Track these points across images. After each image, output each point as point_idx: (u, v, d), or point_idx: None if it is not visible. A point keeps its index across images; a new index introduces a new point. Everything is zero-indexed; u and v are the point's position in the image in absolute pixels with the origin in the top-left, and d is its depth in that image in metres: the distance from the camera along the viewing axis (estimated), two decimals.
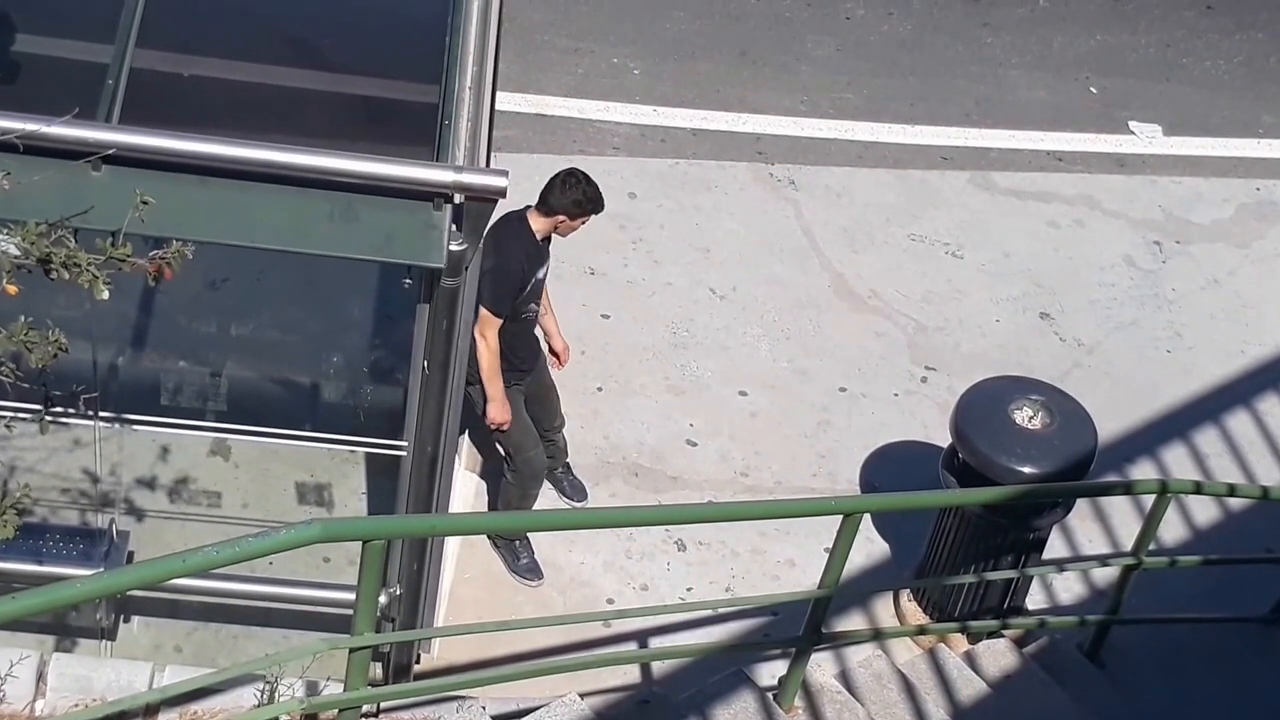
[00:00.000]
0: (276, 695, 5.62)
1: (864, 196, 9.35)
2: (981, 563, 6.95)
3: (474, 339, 6.51)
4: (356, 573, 5.02)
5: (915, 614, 7.32)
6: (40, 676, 5.93)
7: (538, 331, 7.15)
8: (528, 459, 6.99)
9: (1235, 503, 7.98)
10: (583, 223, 6.84)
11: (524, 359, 6.97)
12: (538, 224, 6.79)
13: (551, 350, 7.28)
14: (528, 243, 6.77)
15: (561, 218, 6.76)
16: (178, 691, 5.26)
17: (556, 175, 6.80)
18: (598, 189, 6.79)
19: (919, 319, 8.73)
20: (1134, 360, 8.72)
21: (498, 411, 6.76)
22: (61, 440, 6.54)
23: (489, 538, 7.16)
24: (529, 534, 7.15)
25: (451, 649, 6.82)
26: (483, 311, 6.57)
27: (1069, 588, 7.65)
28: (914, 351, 8.58)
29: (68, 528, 6.32)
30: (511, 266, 6.69)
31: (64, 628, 6.41)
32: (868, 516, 7.36)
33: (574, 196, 6.72)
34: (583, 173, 6.80)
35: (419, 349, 5.45)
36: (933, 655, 7.02)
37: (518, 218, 6.82)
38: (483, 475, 7.58)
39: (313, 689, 5.84)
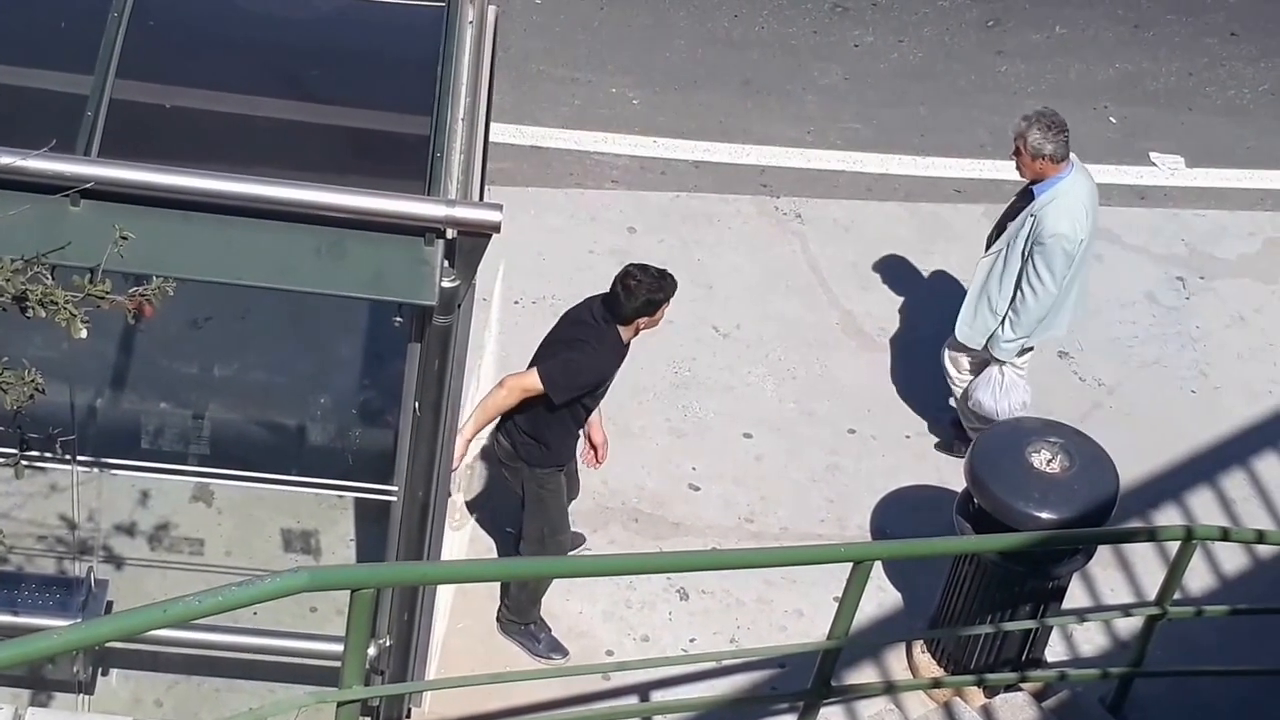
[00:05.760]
0: None
1: (873, 230, 9.29)
2: (999, 612, 6.87)
3: (508, 385, 6.64)
4: (345, 623, 5.00)
5: (929, 666, 7.23)
6: None
7: None
8: (559, 541, 7.01)
9: (1264, 550, 7.88)
10: (665, 309, 6.78)
11: (571, 448, 6.96)
12: (625, 333, 6.76)
13: (589, 439, 7.28)
14: (618, 347, 6.75)
15: (642, 320, 6.71)
16: None
17: (615, 285, 6.66)
18: (657, 276, 6.68)
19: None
20: (1157, 400, 8.62)
21: (461, 444, 6.61)
22: (37, 485, 6.56)
23: (501, 628, 7.12)
24: (541, 611, 7.12)
25: (444, 702, 6.74)
26: (537, 381, 6.58)
27: (1090, 638, 7.56)
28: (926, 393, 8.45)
29: (44, 576, 6.34)
30: (591, 366, 6.70)
31: (40, 680, 6.43)
32: (879, 564, 7.26)
33: (644, 298, 6.64)
34: (637, 268, 6.70)
35: (410, 390, 5.45)
36: (948, 709, 6.96)
37: (609, 325, 6.70)
38: (477, 523, 7.51)
39: None
